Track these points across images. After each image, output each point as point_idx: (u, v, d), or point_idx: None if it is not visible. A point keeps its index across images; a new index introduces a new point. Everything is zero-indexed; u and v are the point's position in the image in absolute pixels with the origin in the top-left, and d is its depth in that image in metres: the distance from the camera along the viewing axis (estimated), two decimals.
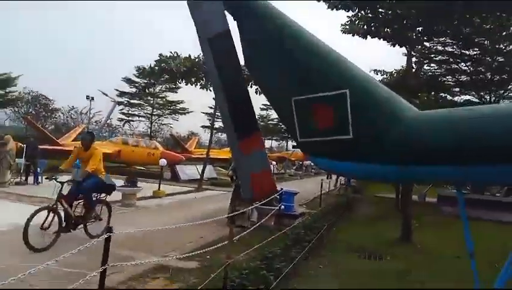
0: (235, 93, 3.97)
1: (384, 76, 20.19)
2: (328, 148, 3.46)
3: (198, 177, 23.13)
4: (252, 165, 3.99)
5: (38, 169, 18.24)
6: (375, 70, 20.33)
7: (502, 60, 21.22)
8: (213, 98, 31.43)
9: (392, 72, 20.68)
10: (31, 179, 18.27)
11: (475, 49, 21.54)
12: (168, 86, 39.32)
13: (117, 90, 43.01)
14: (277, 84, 3.73)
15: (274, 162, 32.71)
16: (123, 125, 51.05)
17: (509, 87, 21.95)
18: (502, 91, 22.17)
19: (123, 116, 46.74)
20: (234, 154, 4.37)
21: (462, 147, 2.93)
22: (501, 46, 21.05)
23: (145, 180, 20.50)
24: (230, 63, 3.88)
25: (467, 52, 21.95)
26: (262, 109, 56.85)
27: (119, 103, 43.76)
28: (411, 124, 3.26)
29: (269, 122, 58.63)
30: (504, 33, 20.04)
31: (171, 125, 52.04)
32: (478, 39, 20.60)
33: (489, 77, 21.68)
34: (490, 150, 2.81)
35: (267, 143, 68.02)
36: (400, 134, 3.21)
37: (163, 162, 19.71)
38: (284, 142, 70.59)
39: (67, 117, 53.83)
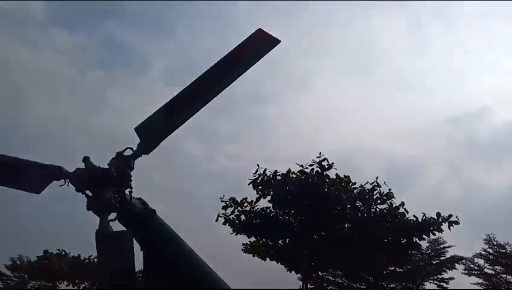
0: None
1: None
2: None
3: None
4: None
5: None
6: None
7: None
8: None
9: None
10: None
11: (361, 283, 23.36)
12: (44, 283, 33.85)
13: None
14: None
15: None
16: None
17: None
18: None
19: None
20: None
21: None
22: (383, 283, 23.21)
23: None
24: None
25: (354, 285, 23.62)
26: None
27: None
28: None
29: None
30: (384, 272, 22.53)
31: None
32: (364, 274, 22.67)
33: None
34: None
35: None
36: None
37: None
38: None
39: None
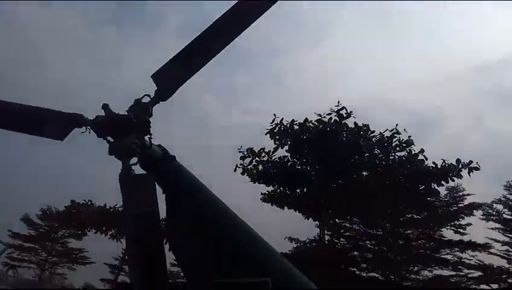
0: (152, 271, 3.58)
1: (298, 244, 20.82)
2: None
3: None
4: None
5: None
6: (290, 237, 21.11)
7: (401, 242, 23.47)
8: (122, 250, 29.43)
9: (305, 241, 21.44)
10: None
11: (378, 230, 23.78)
12: (73, 231, 35.91)
13: (10, 231, 37.94)
14: (199, 264, 3.57)
15: None
16: (6, 271, 43.32)
17: (410, 268, 23.67)
18: (403, 271, 23.72)
19: (8, 260, 40.06)
20: None
21: None
22: (400, 230, 23.58)
23: None
24: (152, 240, 3.64)
25: (371, 232, 24.09)
26: (172, 265, 53.12)
27: (11, 246, 38.06)
28: None
29: (178, 280, 54.16)
30: (401, 219, 22.84)
31: (66, 276, 45.41)
32: (381, 221, 23.04)
33: (392, 256, 23.38)
34: None
35: None
36: None
37: None
38: None
39: None
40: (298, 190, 19.97)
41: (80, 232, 32.22)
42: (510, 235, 23.28)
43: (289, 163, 18.40)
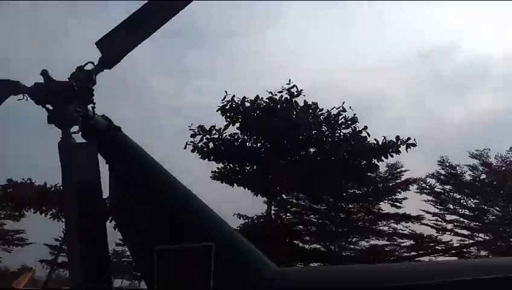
0: (93, 243, 3.51)
1: (246, 220, 21.28)
2: None
3: None
4: None
5: None
6: (238, 214, 21.49)
7: (343, 215, 24.85)
8: (62, 230, 28.22)
9: (253, 217, 21.95)
10: None
11: (322, 204, 24.95)
12: (9, 212, 33.69)
13: None
14: (141, 230, 3.55)
15: None
16: None
17: (349, 239, 25.20)
18: (343, 243, 25.23)
19: None
20: None
21: None
22: (342, 204, 24.91)
23: None
24: (93, 213, 3.56)
25: (316, 207, 25.22)
26: (117, 244, 51.77)
27: None
28: (268, 278, 3.30)
29: (123, 259, 53.04)
30: (344, 194, 24.11)
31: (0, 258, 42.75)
32: (325, 197, 24.15)
33: (333, 229, 24.72)
34: None
35: (117, 283, 60.35)
36: (258, 286, 3.21)
37: None
38: (138, 283, 63.58)
39: None
40: (248, 167, 20.24)
41: (17, 213, 30.34)
42: (439, 207, 25.53)
43: (239, 140, 18.54)
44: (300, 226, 25.87)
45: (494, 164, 24.60)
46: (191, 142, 18.23)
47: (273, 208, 23.52)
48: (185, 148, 18.34)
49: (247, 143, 18.81)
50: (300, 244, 25.85)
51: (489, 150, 24.79)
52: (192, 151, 18.50)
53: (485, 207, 24.86)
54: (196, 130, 18.07)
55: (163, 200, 3.60)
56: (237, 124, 18.17)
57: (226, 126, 18.15)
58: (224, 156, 18.85)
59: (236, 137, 18.42)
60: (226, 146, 18.25)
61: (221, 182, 21.12)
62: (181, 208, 3.56)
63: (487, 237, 24.42)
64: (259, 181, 20.22)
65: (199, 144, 18.32)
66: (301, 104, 17.75)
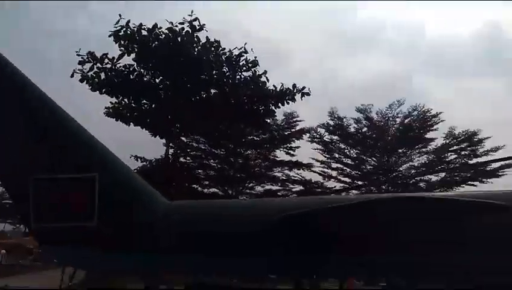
0: None
1: (144, 163, 20.50)
2: (68, 236, 3.08)
3: None
4: None
5: None
6: (135, 156, 20.48)
7: (241, 161, 25.65)
8: None
9: (151, 160, 21.24)
10: None
11: (222, 149, 25.33)
12: None
13: None
14: (15, 156, 3.22)
15: (3, 251, 26.30)
16: None
17: (246, 184, 26.30)
18: (240, 187, 26.26)
19: None
20: None
21: (216, 235, 3.27)
22: (241, 150, 25.61)
23: None
24: None
25: (216, 152, 25.53)
26: None
27: None
28: (162, 213, 3.36)
29: (4, 201, 47.95)
30: (243, 140, 24.72)
31: None
32: (224, 142, 24.48)
33: (232, 174, 25.48)
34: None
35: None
36: (152, 223, 3.22)
37: None
38: (21, 225, 58.51)
39: None
40: (145, 105, 19.14)
41: None
42: (327, 156, 27.93)
43: (135, 73, 17.32)
44: (199, 171, 26.06)
45: (375, 118, 27.51)
46: (79, 69, 16.49)
47: (172, 151, 23.03)
48: (72, 76, 16.56)
49: (144, 78, 17.68)
50: (199, 188, 26.16)
51: (372, 105, 27.55)
52: (81, 81, 16.76)
53: (364, 157, 27.91)
54: (85, 57, 16.32)
55: (47, 128, 3.34)
56: (133, 55, 16.85)
57: (121, 56, 16.70)
58: (119, 90, 17.51)
59: (132, 69, 17.14)
60: (120, 78, 16.89)
61: (116, 120, 19.68)
62: (62, 133, 3.33)
63: (364, 184, 27.60)
64: (157, 120, 19.31)
65: (89, 74, 16.68)
66: (203, 40, 17.08)
